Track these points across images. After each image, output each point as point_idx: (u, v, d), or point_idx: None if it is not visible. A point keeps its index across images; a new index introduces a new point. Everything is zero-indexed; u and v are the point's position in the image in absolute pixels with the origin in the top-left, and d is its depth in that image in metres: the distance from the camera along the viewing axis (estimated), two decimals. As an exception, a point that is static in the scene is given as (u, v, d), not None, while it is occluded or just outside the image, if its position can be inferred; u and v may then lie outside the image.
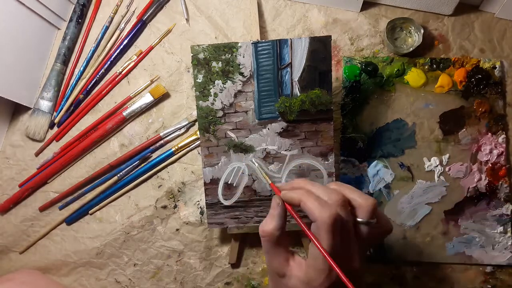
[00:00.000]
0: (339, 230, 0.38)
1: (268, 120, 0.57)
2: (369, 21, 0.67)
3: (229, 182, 0.58)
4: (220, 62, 0.56)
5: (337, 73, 0.66)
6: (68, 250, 0.67)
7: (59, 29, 0.72)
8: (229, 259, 0.63)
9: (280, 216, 0.42)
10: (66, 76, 0.71)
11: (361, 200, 0.40)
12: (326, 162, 0.57)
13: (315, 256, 0.38)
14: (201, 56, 0.55)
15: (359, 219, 0.40)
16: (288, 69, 0.56)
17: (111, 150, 0.68)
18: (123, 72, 0.69)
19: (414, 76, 0.65)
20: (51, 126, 0.70)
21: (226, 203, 0.58)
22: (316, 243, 0.38)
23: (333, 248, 0.38)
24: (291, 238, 0.63)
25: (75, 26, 0.70)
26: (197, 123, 0.66)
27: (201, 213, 0.65)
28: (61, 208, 0.68)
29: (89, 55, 0.70)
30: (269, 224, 0.42)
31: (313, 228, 0.39)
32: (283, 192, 0.44)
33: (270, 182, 0.52)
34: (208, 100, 0.57)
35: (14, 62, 0.65)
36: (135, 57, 0.69)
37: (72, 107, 0.70)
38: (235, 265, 0.64)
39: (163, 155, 0.66)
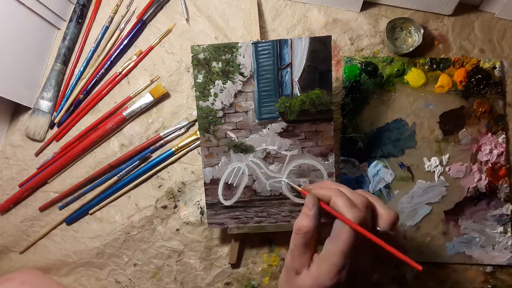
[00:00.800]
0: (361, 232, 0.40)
1: (268, 120, 0.57)
2: (369, 21, 0.67)
3: (229, 182, 0.58)
4: (220, 62, 0.56)
5: (337, 73, 0.66)
6: (68, 250, 0.67)
7: (59, 29, 0.72)
8: (229, 259, 0.63)
9: (316, 216, 0.43)
10: (66, 76, 0.71)
11: (384, 211, 0.42)
12: (326, 162, 0.57)
13: (331, 252, 0.39)
14: (201, 56, 0.55)
15: (378, 228, 0.41)
16: (288, 69, 0.56)
17: (111, 150, 0.68)
18: (123, 72, 0.69)
19: (414, 76, 0.65)
20: (51, 126, 0.70)
21: (226, 203, 0.58)
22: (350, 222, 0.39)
23: (355, 246, 0.39)
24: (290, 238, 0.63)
25: (75, 26, 0.70)
26: (197, 123, 0.66)
27: (201, 213, 0.65)
28: (61, 208, 0.68)
29: (89, 55, 0.70)
30: (306, 222, 0.43)
31: (337, 224, 0.41)
32: (314, 190, 0.45)
33: (300, 189, 0.53)
34: (208, 100, 0.57)
35: (14, 62, 0.65)
36: (135, 57, 0.69)
37: (72, 107, 0.70)
38: (235, 265, 0.64)
39: (163, 155, 0.66)
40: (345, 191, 0.43)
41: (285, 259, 0.43)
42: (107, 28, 0.71)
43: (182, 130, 0.67)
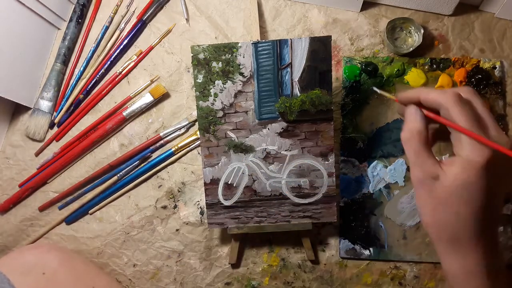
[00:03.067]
0: (473, 107, 0.38)
1: (268, 120, 0.57)
2: (369, 21, 0.67)
3: (229, 182, 0.58)
4: (220, 62, 0.56)
5: (337, 73, 0.66)
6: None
7: (59, 29, 0.72)
8: (229, 259, 0.63)
9: (422, 117, 0.40)
10: (66, 76, 0.71)
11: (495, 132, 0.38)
12: (326, 162, 0.57)
13: (470, 142, 0.36)
14: (201, 56, 0.55)
15: None
16: (288, 69, 0.56)
17: (111, 150, 0.68)
18: (123, 72, 0.69)
19: (414, 76, 0.65)
20: (51, 126, 0.70)
21: (226, 203, 0.58)
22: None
23: (472, 120, 0.36)
24: (290, 238, 0.63)
25: (75, 26, 0.70)
26: (197, 123, 0.66)
27: (201, 213, 0.65)
28: (61, 208, 0.68)
29: (89, 55, 0.70)
30: (413, 124, 0.40)
31: (444, 117, 0.38)
32: (400, 95, 0.42)
33: (388, 95, 0.48)
34: (208, 100, 0.57)
35: (14, 62, 0.65)
36: (135, 57, 0.69)
37: (72, 107, 0.70)
38: (235, 265, 0.64)
39: (163, 155, 0.66)
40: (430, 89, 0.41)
41: (412, 176, 0.40)
42: (107, 28, 0.71)
43: (182, 130, 0.67)
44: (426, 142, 0.40)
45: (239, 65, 0.56)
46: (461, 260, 0.38)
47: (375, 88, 0.50)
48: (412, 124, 0.40)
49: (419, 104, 0.41)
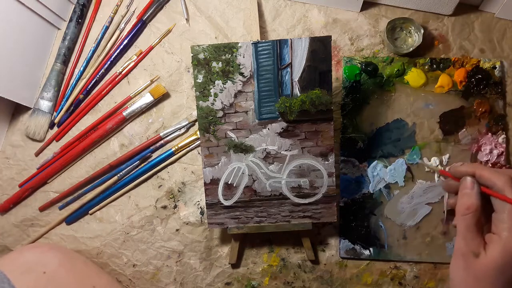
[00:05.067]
0: None
1: (268, 120, 0.57)
2: (369, 21, 0.67)
3: (229, 182, 0.58)
4: (220, 62, 0.56)
5: (337, 73, 0.66)
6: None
7: (59, 29, 0.72)
8: (229, 259, 0.63)
9: (479, 193, 0.42)
10: (66, 76, 0.71)
11: None
12: (326, 162, 0.57)
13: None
14: (201, 56, 0.55)
15: None
16: (288, 69, 0.56)
17: (111, 150, 0.68)
18: (123, 72, 0.69)
19: (414, 76, 0.65)
20: (51, 126, 0.70)
21: (226, 203, 0.58)
22: None
23: None
24: (290, 238, 0.63)
25: (75, 26, 0.70)
26: (197, 123, 0.66)
27: (201, 213, 0.65)
28: (61, 208, 0.68)
29: (89, 55, 0.70)
30: (471, 200, 0.42)
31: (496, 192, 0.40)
32: (454, 169, 0.45)
33: (439, 169, 0.52)
34: (208, 100, 0.57)
35: (14, 62, 0.65)
36: (135, 57, 0.69)
37: (72, 107, 0.70)
38: (235, 265, 0.64)
39: (163, 155, 0.66)
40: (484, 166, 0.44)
41: (456, 246, 0.42)
42: (107, 28, 0.71)
43: (182, 130, 0.67)
44: (480, 220, 0.41)
45: (239, 65, 0.56)
46: None
47: (424, 160, 0.53)
48: (470, 200, 0.42)
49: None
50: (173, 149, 0.66)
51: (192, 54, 0.55)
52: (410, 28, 0.66)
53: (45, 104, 0.69)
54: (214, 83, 0.56)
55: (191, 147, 0.66)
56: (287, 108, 0.56)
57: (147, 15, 0.69)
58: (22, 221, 0.68)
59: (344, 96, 0.65)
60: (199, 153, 0.66)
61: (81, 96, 0.69)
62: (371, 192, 0.63)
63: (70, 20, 0.70)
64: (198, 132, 0.65)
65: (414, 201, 0.62)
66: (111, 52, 0.70)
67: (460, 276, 0.42)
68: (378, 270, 0.63)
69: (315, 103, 0.56)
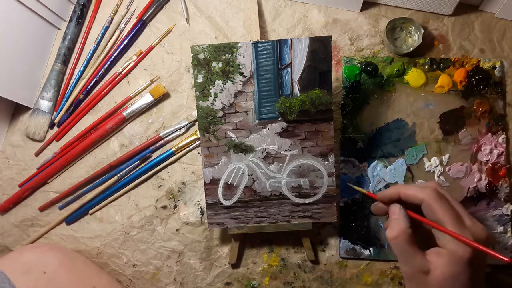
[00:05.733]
0: (449, 201, 0.41)
1: (268, 120, 0.57)
2: (369, 21, 0.67)
3: (229, 182, 0.58)
4: (220, 62, 0.56)
5: (337, 73, 0.66)
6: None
7: (59, 29, 0.72)
8: (229, 259, 0.63)
9: (406, 216, 0.43)
10: (66, 76, 0.71)
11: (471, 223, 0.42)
12: (326, 162, 0.57)
13: (455, 242, 0.40)
14: (201, 56, 0.55)
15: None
16: (288, 69, 0.56)
17: (111, 150, 0.68)
18: (123, 72, 0.69)
19: (414, 76, 0.65)
20: (51, 126, 0.70)
21: (226, 203, 0.58)
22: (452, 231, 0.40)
23: (454, 216, 0.40)
24: (290, 238, 0.63)
25: (75, 26, 0.70)
26: (197, 123, 0.66)
27: (201, 213, 0.65)
28: (61, 208, 0.68)
29: (89, 55, 0.70)
30: (399, 225, 0.43)
31: (425, 212, 0.42)
32: (380, 194, 0.46)
33: (366, 192, 0.53)
34: (208, 100, 0.57)
35: (14, 62, 0.65)
36: (135, 57, 0.69)
37: (72, 107, 0.70)
38: (235, 265, 0.64)
39: (163, 155, 0.66)
40: (409, 186, 0.45)
41: (403, 273, 0.43)
42: (107, 28, 0.71)
43: (182, 130, 0.67)
44: (412, 240, 0.42)
45: (239, 65, 0.56)
46: None
47: (350, 184, 0.56)
48: (397, 224, 0.43)
49: (400, 201, 0.45)
50: (173, 149, 0.66)
51: (192, 54, 0.55)
52: (410, 28, 0.66)
53: (45, 104, 0.69)
54: (214, 83, 0.56)
55: (191, 147, 0.66)
56: (287, 108, 0.56)
57: (147, 15, 0.69)
58: (22, 221, 0.68)
59: (344, 96, 0.65)
60: (199, 153, 0.67)
61: (81, 96, 0.69)
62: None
63: (70, 20, 0.70)
64: (198, 132, 0.65)
65: (414, 201, 0.62)
66: (111, 52, 0.70)
67: None
68: (378, 270, 0.63)
69: (315, 103, 0.56)
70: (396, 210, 0.44)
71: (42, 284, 0.52)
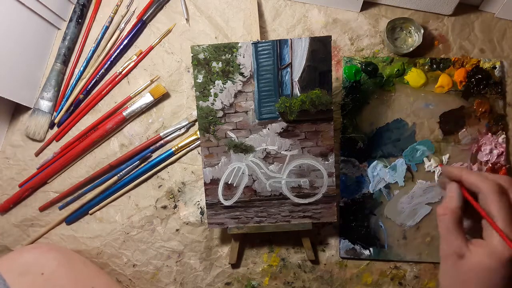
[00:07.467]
0: (510, 199, 0.40)
1: (268, 120, 0.57)
2: (369, 21, 0.67)
3: (229, 182, 0.58)
4: (220, 62, 0.56)
5: (337, 73, 0.66)
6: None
7: (59, 29, 0.72)
8: (229, 259, 0.63)
9: (459, 197, 0.43)
10: (66, 76, 0.71)
11: None
12: (326, 162, 0.57)
13: (501, 239, 0.39)
14: (201, 56, 0.55)
15: None
16: (288, 69, 0.56)
17: (111, 150, 0.68)
18: (123, 72, 0.69)
19: (414, 76, 0.65)
20: (51, 126, 0.70)
21: (226, 203, 0.58)
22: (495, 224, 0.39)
23: (507, 215, 0.39)
24: (290, 238, 0.63)
25: (75, 26, 0.70)
26: (197, 123, 0.66)
27: (201, 213, 0.65)
28: (61, 208, 0.68)
29: (89, 55, 0.70)
30: (451, 203, 0.43)
31: (481, 202, 0.41)
32: (445, 168, 0.45)
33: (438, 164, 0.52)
34: (208, 100, 0.57)
35: (14, 62, 0.65)
36: (135, 57, 0.69)
37: (72, 107, 0.70)
38: (235, 265, 0.64)
39: (163, 155, 0.66)
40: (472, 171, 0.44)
41: (440, 249, 0.43)
42: (107, 28, 0.71)
43: (182, 130, 0.67)
44: (459, 221, 0.42)
45: (239, 65, 0.56)
46: None
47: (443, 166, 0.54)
48: (449, 202, 0.43)
49: (461, 182, 0.44)
50: (173, 149, 0.66)
51: (192, 54, 0.55)
52: (410, 28, 0.66)
53: (45, 104, 0.69)
54: (214, 83, 0.56)
55: (191, 147, 0.66)
56: (287, 108, 0.56)
57: (147, 15, 0.69)
58: (22, 221, 0.68)
59: (344, 96, 0.65)
60: (199, 153, 0.66)
61: (81, 96, 0.69)
62: (371, 192, 0.63)
63: (70, 20, 0.70)
64: (198, 132, 0.65)
65: (414, 201, 0.62)
66: (111, 52, 0.70)
67: (447, 277, 0.42)
68: (378, 270, 0.63)
69: (315, 103, 0.56)
70: (452, 188, 0.44)
71: (39, 285, 0.51)
